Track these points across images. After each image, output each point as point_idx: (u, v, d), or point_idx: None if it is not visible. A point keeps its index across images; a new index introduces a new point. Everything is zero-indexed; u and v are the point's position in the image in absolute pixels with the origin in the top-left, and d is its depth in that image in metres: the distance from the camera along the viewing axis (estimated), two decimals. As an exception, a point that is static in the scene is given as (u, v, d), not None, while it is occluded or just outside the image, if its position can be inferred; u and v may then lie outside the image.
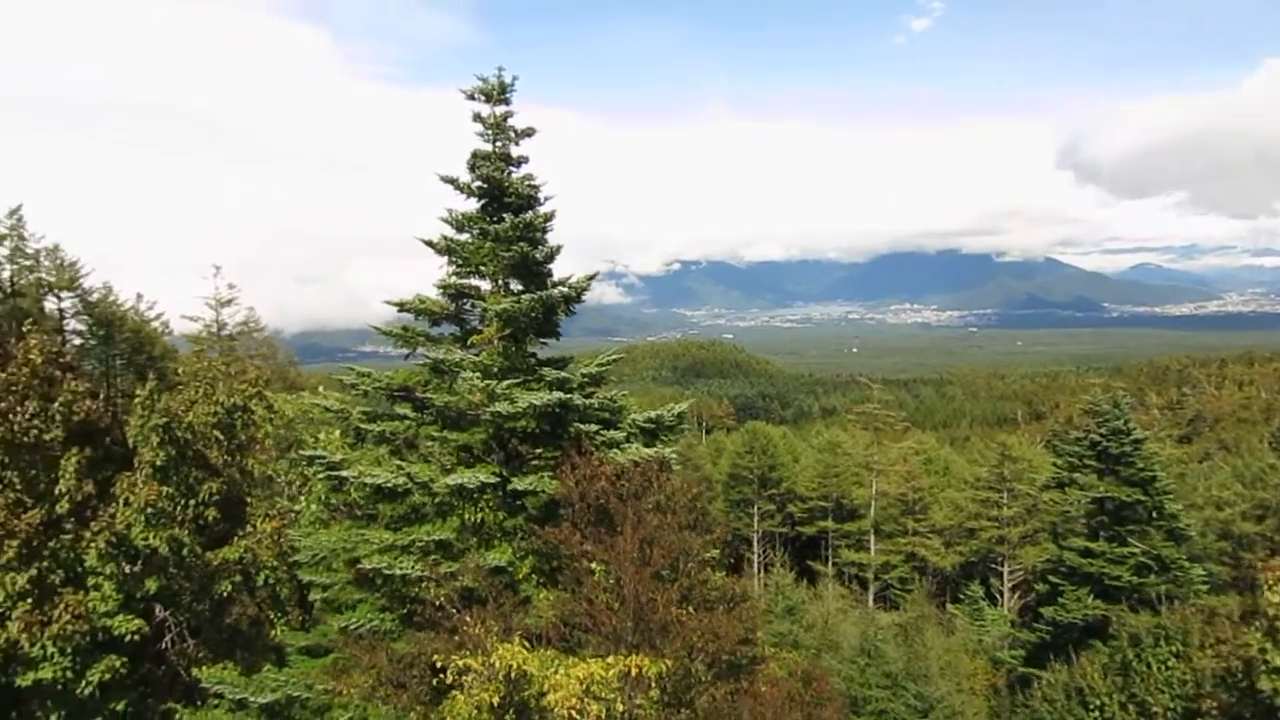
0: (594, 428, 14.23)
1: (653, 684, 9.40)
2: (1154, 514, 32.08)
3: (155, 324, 66.06)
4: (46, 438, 14.94)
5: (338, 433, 18.58)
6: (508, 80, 14.53)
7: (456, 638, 11.70)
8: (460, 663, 9.25)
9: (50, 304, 58.33)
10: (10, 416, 14.52)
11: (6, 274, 54.97)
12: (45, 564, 13.96)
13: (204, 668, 15.30)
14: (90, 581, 14.34)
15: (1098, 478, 33.07)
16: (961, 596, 53.32)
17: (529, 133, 14.78)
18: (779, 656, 14.37)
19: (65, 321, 59.40)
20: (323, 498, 17.01)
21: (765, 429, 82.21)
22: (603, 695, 9.44)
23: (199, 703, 15.33)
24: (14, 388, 14.83)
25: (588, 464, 12.33)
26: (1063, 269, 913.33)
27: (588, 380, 14.75)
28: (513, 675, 9.46)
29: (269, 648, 16.73)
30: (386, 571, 12.59)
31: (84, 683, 13.60)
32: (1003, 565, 55.99)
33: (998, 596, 53.12)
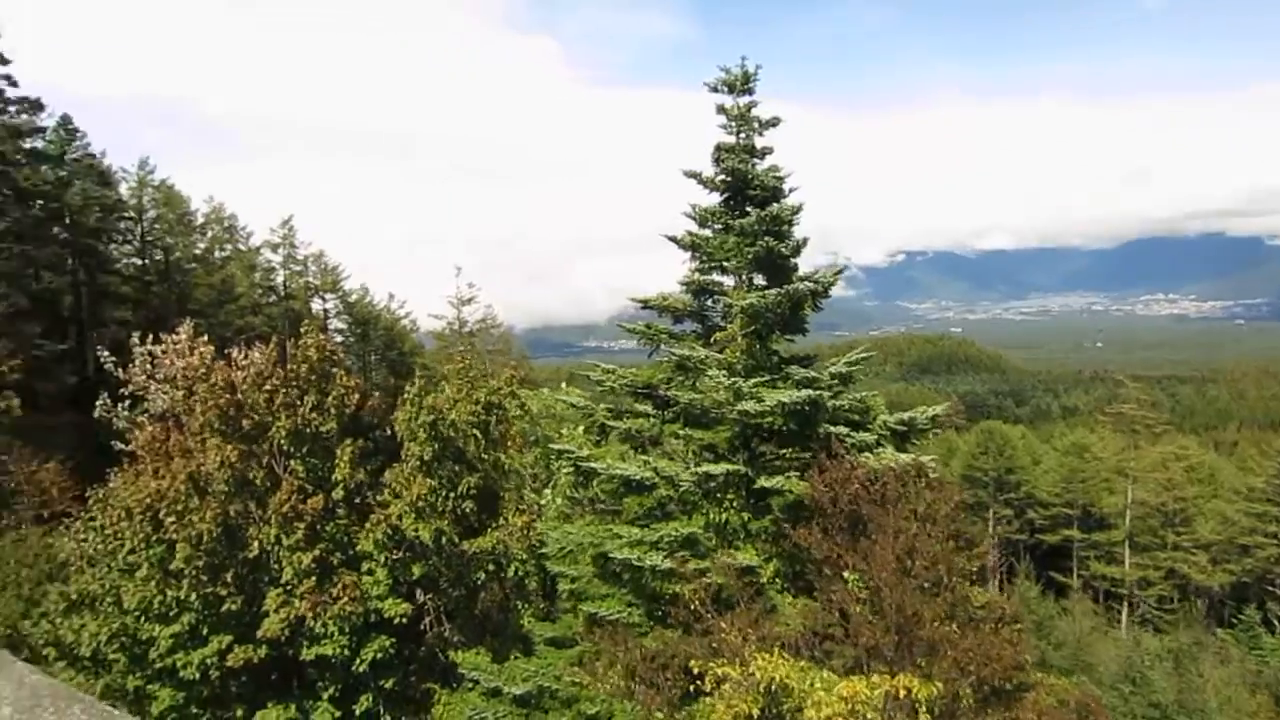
0: (843, 429, 13.73)
1: (922, 708, 8.81)
2: None
3: (405, 322, 71.67)
4: (324, 429, 16.28)
5: (580, 429, 19.10)
6: (751, 70, 14.30)
7: (709, 640, 11.62)
8: (719, 670, 9.09)
9: (317, 305, 64.72)
10: (295, 408, 15.93)
11: (281, 278, 61.56)
12: (325, 546, 15.21)
13: (459, 652, 16.15)
14: (364, 566, 15.47)
15: None
16: (1234, 621, 47.95)
17: (773, 123, 14.49)
18: (1045, 683, 13.24)
19: (329, 320, 65.73)
20: (567, 492, 17.48)
21: (1002, 428, 77.75)
22: (866, 715, 9.00)
23: (454, 685, 16.20)
24: (296, 382, 16.28)
25: (840, 466, 11.87)
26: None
27: (836, 379, 14.25)
28: (773, 687, 9.19)
29: (517, 636, 17.45)
30: (635, 564, 12.69)
31: (359, 660, 14.68)
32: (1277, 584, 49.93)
33: (1276, 623, 47.31)
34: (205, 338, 23.84)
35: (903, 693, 8.95)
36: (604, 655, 12.87)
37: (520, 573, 16.81)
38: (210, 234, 53.17)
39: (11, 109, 37.38)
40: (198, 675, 14.44)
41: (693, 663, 9.65)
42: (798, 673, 9.32)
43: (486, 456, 16.87)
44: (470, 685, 15.71)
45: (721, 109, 14.60)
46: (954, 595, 11.48)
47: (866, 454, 13.84)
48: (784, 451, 14.16)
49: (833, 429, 13.64)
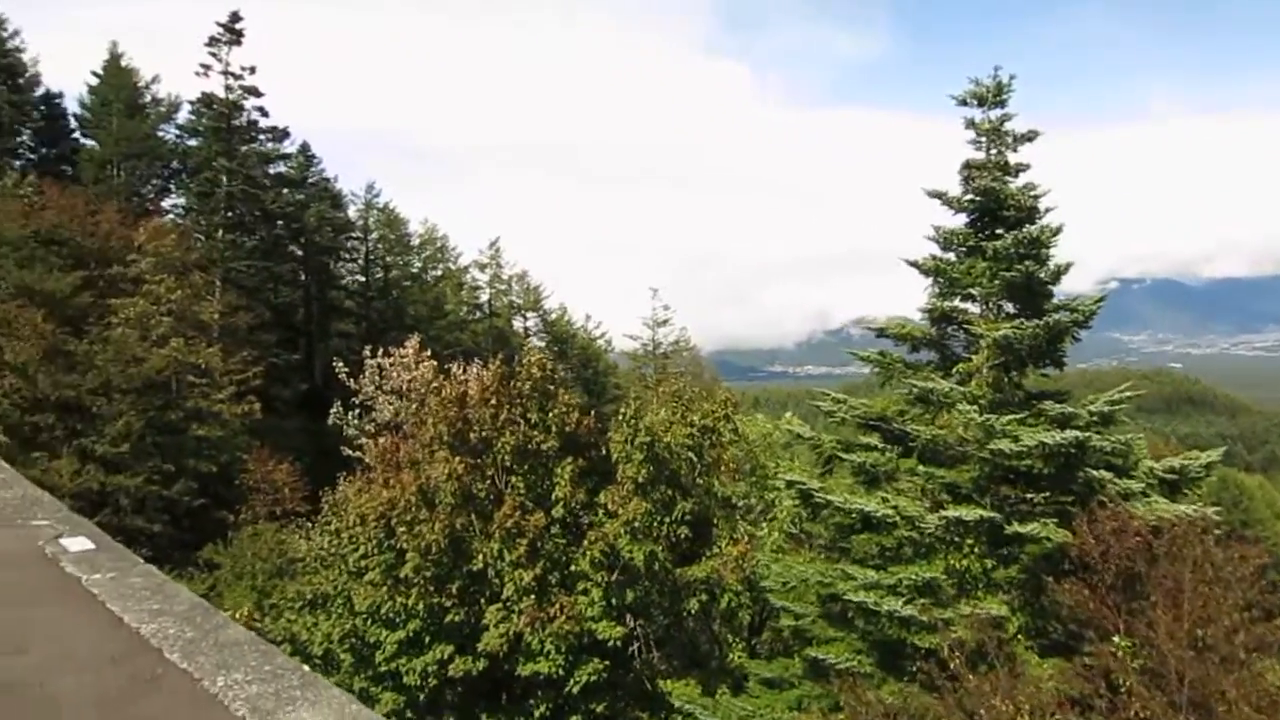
0: (1106, 475, 12.37)
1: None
2: None
3: (599, 341, 73.18)
4: (545, 446, 16.37)
5: (796, 460, 18.38)
6: (1005, 80, 13.29)
7: (960, 700, 10.64)
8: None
9: (518, 323, 67.11)
10: (518, 425, 16.11)
11: (486, 296, 64.30)
12: (544, 564, 15.21)
13: (669, 681, 15.73)
14: (579, 586, 15.37)
15: None
16: None
17: (1029, 137, 13.41)
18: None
19: (528, 338, 68.01)
20: (786, 525, 16.79)
21: (1236, 477, 70.41)
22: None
23: (661, 714, 15.80)
24: (520, 399, 16.47)
25: (1115, 516, 10.61)
26: None
27: (1096, 419, 12.90)
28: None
29: (725, 670, 16.87)
30: (871, 608, 11.83)
31: (572, 681, 14.52)
32: None
33: None
34: (428, 352, 24.92)
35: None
36: (845, 708, 12.04)
37: (733, 604, 16.23)
38: (425, 254, 56.27)
39: (262, 137, 41.03)
40: (419, 681, 14.73)
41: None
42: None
43: (700, 482, 16.48)
44: (679, 717, 15.28)
45: (971, 123, 13.66)
46: (1252, 673, 9.99)
47: (1133, 503, 12.43)
48: (1037, 496, 12.91)
49: (1094, 474, 12.32)
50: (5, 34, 46.45)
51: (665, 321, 60.96)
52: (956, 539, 12.67)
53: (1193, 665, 9.20)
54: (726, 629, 17.19)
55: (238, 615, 15.08)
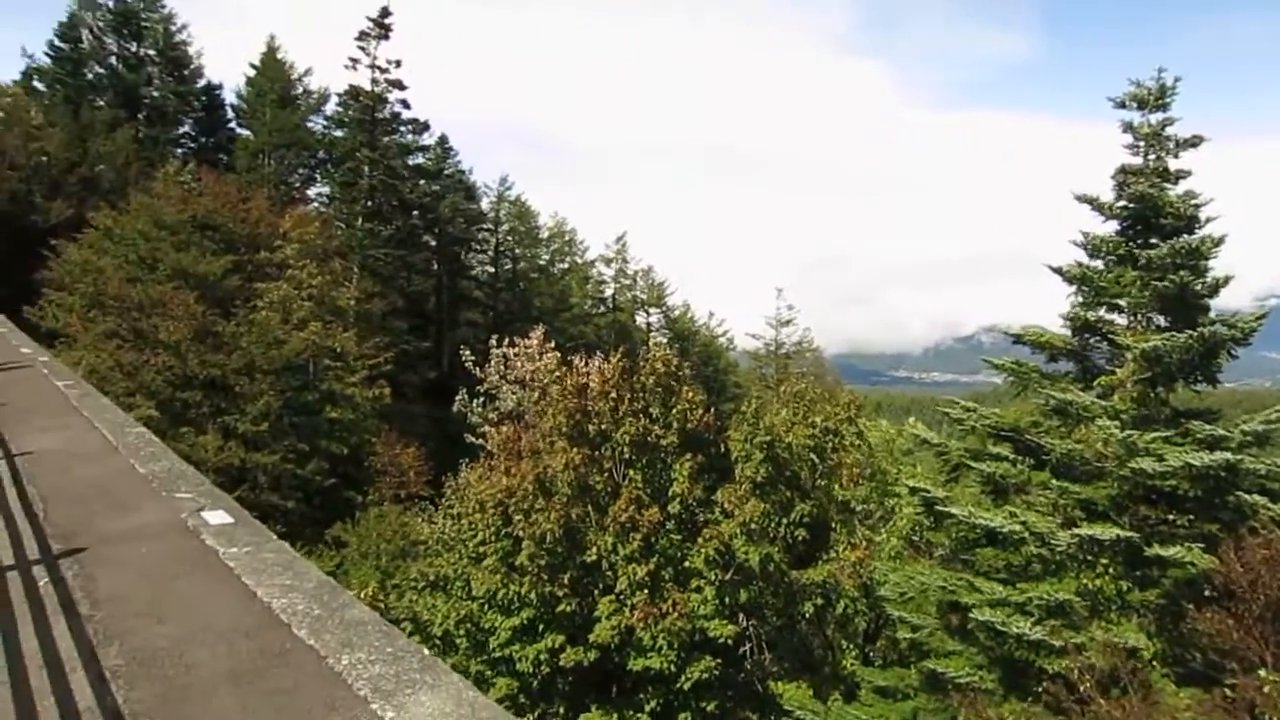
0: (1260, 499, 11.52)
1: None
2: None
3: (721, 339, 72.90)
4: (664, 441, 16.38)
5: (920, 467, 17.85)
6: (1169, 83, 12.50)
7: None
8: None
9: (641, 318, 67.53)
10: (638, 418, 16.17)
11: (610, 291, 64.95)
12: (658, 559, 15.23)
13: (779, 683, 15.52)
14: (693, 584, 15.32)
15: None
16: None
17: (1194, 143, 12.58)
18: None
19: (652, 334, 68.36)
20: (906, 532, 16.32)
21: None
22: None
23: (771, 715, 15.61)
24: (643, 393, 16.53)
25: (1267, 544, 9.86)
26: None
27: (1250, 439, 12.02)
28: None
29: (838, 676, 16.53)
30: (999, 628, 11.36)
31: (684, 677, 14.49)
32: None
33: None
34: (553, 344, 25.33)
35: None
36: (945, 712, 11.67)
37: (849, 610, 15.89)
38: (553, 247, 57.29)
39: (403, 129, 42.52)
40: (531, 668, 14.97)
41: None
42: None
43: (820, 484, 16.19)
44: (786, 719, 15.08)
45: (1129, 127, 12.92)
46: None
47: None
48: (1180, 518, 12.14)
49: (1246, 498, 11.50)
50: (174, 28, 49.66)
51: (789, 321, 60.24)
52: (1090, 558, 12.05)
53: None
54: (841, 635, 16.85)
55: (363, 595, 15.66)
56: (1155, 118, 12.79)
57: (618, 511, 14.98)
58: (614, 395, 16.36)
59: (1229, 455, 10.81)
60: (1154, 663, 11.73)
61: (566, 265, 58.30)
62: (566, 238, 58.17)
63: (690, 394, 16.75)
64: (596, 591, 15.42)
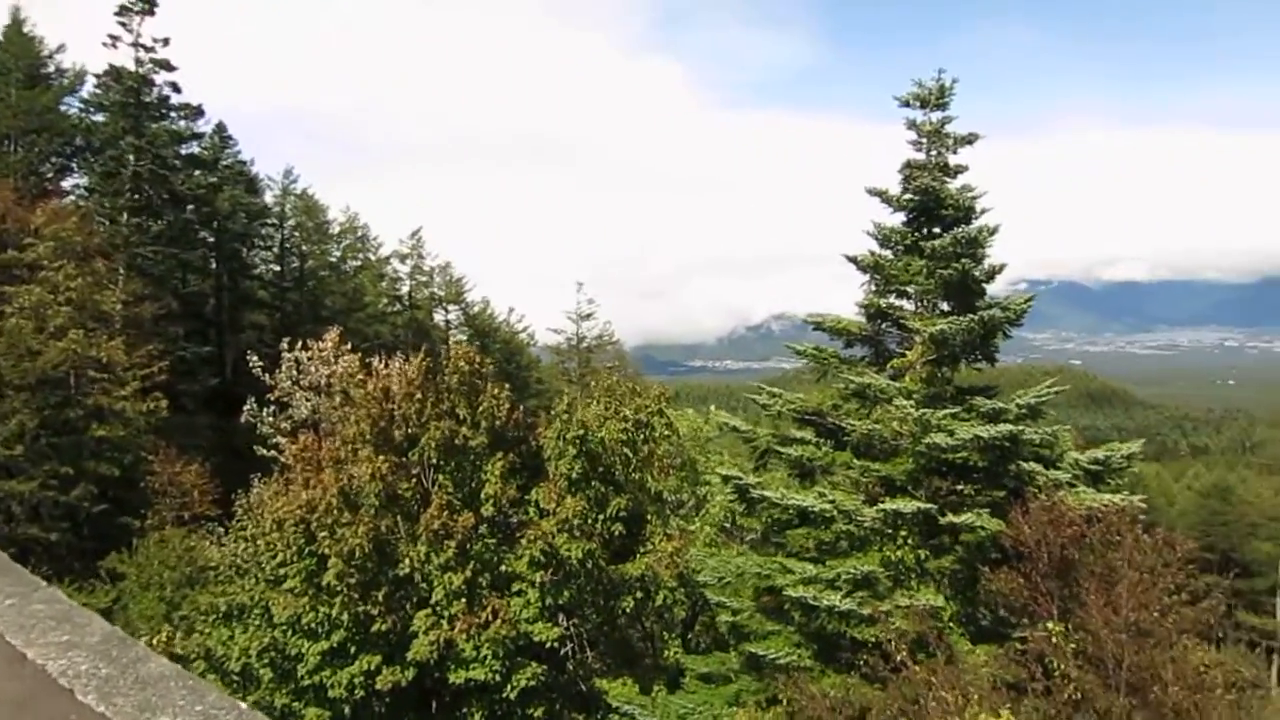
0: (1036, 466, 12.56)
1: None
2: None
3: (522, 335, 72.30)
4: (473, 443, 15.89)
5: (726, 454, 18.28)
6: (947, 84, 13.35)
7: (903, 690, 10.65)
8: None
9: (439, 316, 65.83)
10: (444, 420, 15.60)
11: (407, 288, 62.88)
12: (474, 565, 14.76)
13: (605, 680, 15.46)
14: (514, 587, 14.97)
15: None
16: None
17: (969, 140, 13.51)
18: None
19: (450, 331, 66.83)
20: (718, 520, 16.67)
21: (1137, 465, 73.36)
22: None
23: (599, 715, 15.53)
24: (448, 394, 15.96)
25: (1051, 507, 10.73)
26: None
27: (1025, 412, 13.08)
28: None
29: (660, 667, 16.68)
30: (811, 604, 11.76)
31: (510, 686, 14.12)
32: None
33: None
34: (349, 345, 24.08)
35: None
36: (786, 702, 11.96)
37: (668, 600, 16.01)
38: (344, 243, 54.62)
39: (173, 115, 38.81)
40: (344, 694, 14.13)
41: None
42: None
43: (634, 477, 16.23)
44: (617, 718, 15.04)
45: (912, 124, 13.70)
46: (1181, 653, 10.22)
47: (1062, 494, 12.66)
48: (969, 488, 13.04)
49: (1025, 466, 12.50)
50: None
51: (590, 315, 60.50)
52: (890, 531, 12.69)
53: (1128, 648, 9.35)
54: (661, 626, 16.99)
55: (155, 641, 14.15)
56: (935, 116, 13.64)
57: (429, 519, 14.36)
58: (418, 397, 15.71)
59: (1011, 427, 11.69)
60: (951, 624, 12.53)
61: (359, 262, 55.76)
62: (359, 233, 55.67)
63: (496, 392, 16.35)
64: (410, 606, 14.75)
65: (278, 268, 48.69)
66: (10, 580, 5.73)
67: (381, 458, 14.75)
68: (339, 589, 13.87)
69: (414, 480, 15.38)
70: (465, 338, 67.75)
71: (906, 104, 13.67)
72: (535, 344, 70.69)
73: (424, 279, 59.35)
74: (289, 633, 14.73)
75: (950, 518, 11.82)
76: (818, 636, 12.72)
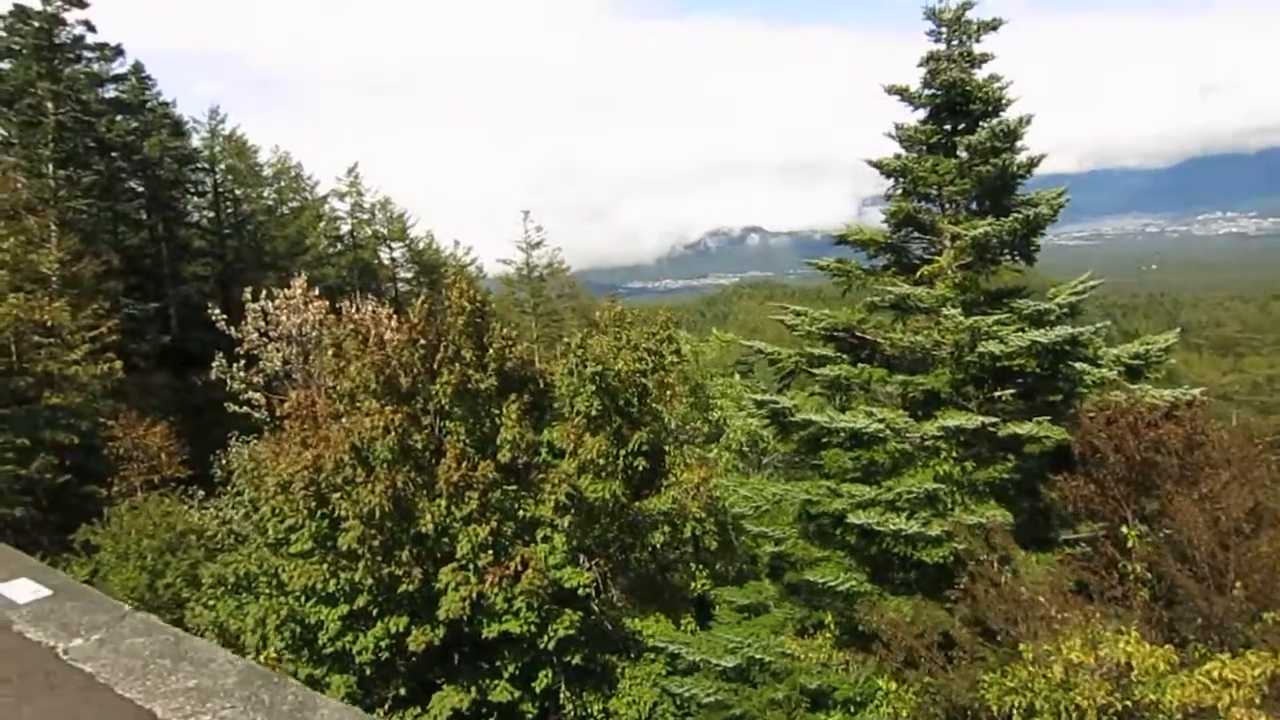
0: (1083, 367, 12.16)
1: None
2: None
3: (471, 268, 70.49)
4: (483, 386, 15.03)
5: (737, 376, 17.70)
6: (965, -32, 12.44)
7: (973, 608, 10.32)
8: (1072, 656, 7.71)
9: (385, 254, 63.68)
10: (454, 365, 14.67)
11: (348, 227, 60.48)
12: (498, 516, 14.05)
13: (637, 620, 15.04)
14: (540, 534, 14.33)
15: None
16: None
17: (994, 25, 12.67)
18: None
19: (396, 270, 64.78)
20: (738, 446, 16.14)
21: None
22: (1238, 701, 7.58)
23: (632, 655, 15.14)
24: (454, 337, 15.00)
25: (1130, 409, 10.31)
26: None
27: (1065, 311, 12.61)
28: (1124, 671, 7.84)
29: (692, 600, 16.30)
30: (876, 527, 11.30)
31: (546, 637, 13.58)
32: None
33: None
34: (316, 291, 22.78)
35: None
36: (838, 626, 11.61)
37: (697, 533, 15.53)
38: (279, 185, 52.02)
39: (89, 55, 35.80)
40: (372, 659, 13.46)
41: (1025, 647, 8.24)
42: (1145, 653, 7.90)
43: (657, 409, 15.58)
44: (652, 657, 14.64)
45: (931, 13, 12.80)
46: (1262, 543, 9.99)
47: (1110, 391, 12.33)
48: (1013, 395, 12.61)
49: (1076, 366, 12.09)
50: None
51: (539, 244, 59.08)
52: (941, 446, 12.25)
53: (1236, 547, 9.05)
54: (692, 559, 16.56)
55: (265, 659, 13.13)
56: (954, 2, 12.77)
57: (448, 471, 13.56)
58: (422, 343, 14.75)
59: (1070, 329, 11.23)
60: (1016, 539, 12.22)
61: (297, 204, 53.27)
62: (293, 174, 53.03)
63: (502, 330, 15.48)
64: (433, 562, 14.04)
65: (213, 214, 46.19)
66: (83, 606, 4.58)
67: (391, 409, 13.84)
68: (361, 552, 13.08)
69: (425, 431, 14.52)
70: (412, 275, 65.90)
71: (921, -10, 12.78)
72: (485, 276, 68.98)
73: (365, 217, 57.14)
74: (305, 600, 13.96)
75: (1012, 428, 11.37)
76: (871, 559, 12.34)
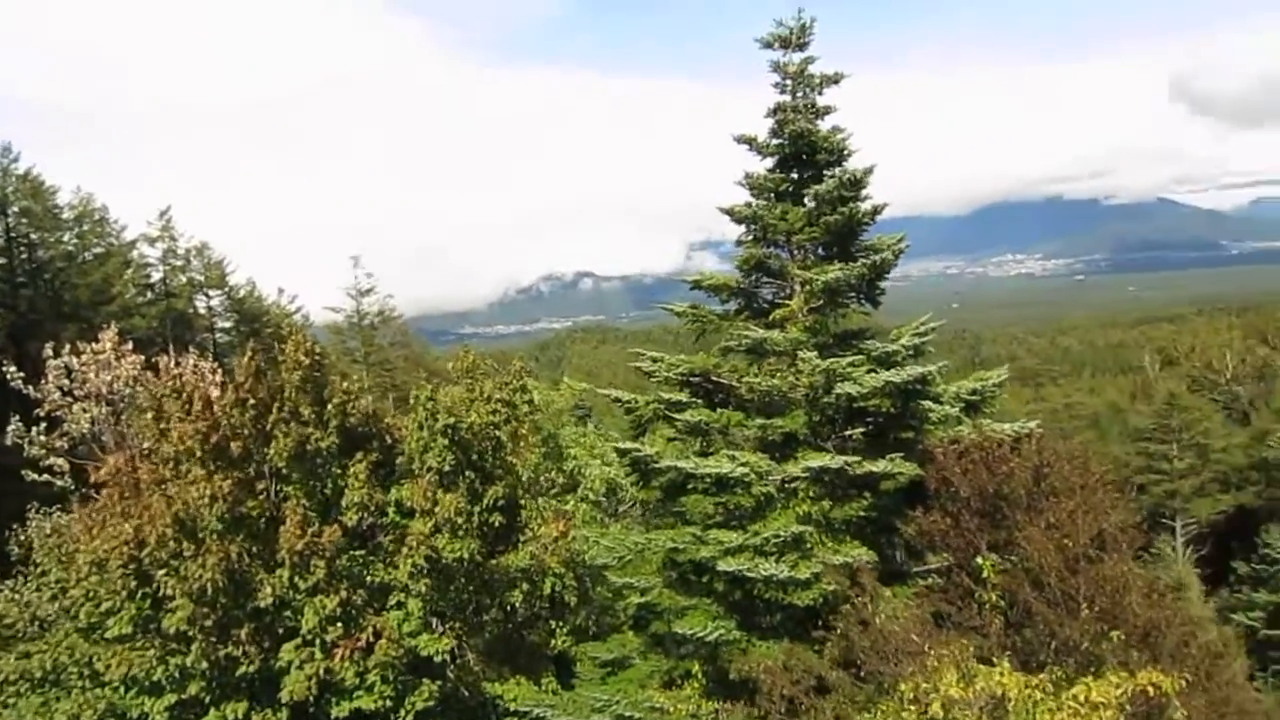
0: (928, 404, 12.67)
1: (1176, 708, 7.81)
2: None
3: (296, 317, 67.12)
4: (323, 445, 14.14)
5: (589, 424, 17.48)
6: (807, 22, 12.93)
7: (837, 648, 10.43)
8: (951, 692, 7.81)
9: (201, 302, 59.73)
10: (289, 424, 13.73)
11: (160, 275, 56.33)
12: (347, 583, 13.15)
13: (496, 684, 14.40)
14: (393, 599, 13.51)
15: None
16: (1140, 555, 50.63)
17: (835, 79, 13.17)
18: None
19: (214, 319, 60.83)
20: (595, 496, 15.86)
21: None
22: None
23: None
24: (291, 394, 14.06)
25: (978, 444, 10.75)
26: (1176, 208, 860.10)
27: (910, 352, 13.12)
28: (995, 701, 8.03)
29: (549, 659, 15.74)
30: (747, 574, 11.24)
31: (404, 710, 12.74)
32: (1174, 519, 52.67)
33: (1171, 552, 50.00)
34: (130, 345, 20.93)
35: (1150, 690, 7.91)
36: (700, 675, 11.43)
37: (557, 588, 15.05)
38: (81, 229, 47.87)
39: None
40: (207, 752, 12.21)
41: (904, 685, 8.28)
42: (1019, 683, 8.13)
43: (512, 461, 15.08)
44: (511, 720, 14.02)
45: (777, 65, 13.20)
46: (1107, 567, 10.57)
47: (954, 428, 12.90)
48: (858, 433, 12.97)
49: (922, 404, 12.57)
50: None
51: (370, 290, 57.08)
52: (799, 487, 12.41)
53: (1084, 571, 9.50)
54: (551, 615, 16.04)
55: None
56: (798, 57, 13.22)
57: (290, 539, 12.57)
58: (253, 402, 13.70)
59: (921, 369, 11.64)
60: (875, 573, 12.45)
61: (102, 249, 49.11)
62: (97, 217, 48.92)
63: (344, 385, 14.63)
64: (272, 641, 12.93)
65: (4, 260, 41.97)
66: None
67: (221, 475, 12.74)
68: (192, 633, 11.87)
69: (261, 497, 13.46)
70: (231, 325, 62.10)
71: (768, 45, 13.18)
72: (312, 324, 65.89)
73: (179, 263, 53.43)
74: (126, 691, 12.53)
75: (868, 466, 11.64)
76: (737, 605, 12.28)
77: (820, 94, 13.23)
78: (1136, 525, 11.14)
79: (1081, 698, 7.87)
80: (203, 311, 57.56)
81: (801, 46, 13.19)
